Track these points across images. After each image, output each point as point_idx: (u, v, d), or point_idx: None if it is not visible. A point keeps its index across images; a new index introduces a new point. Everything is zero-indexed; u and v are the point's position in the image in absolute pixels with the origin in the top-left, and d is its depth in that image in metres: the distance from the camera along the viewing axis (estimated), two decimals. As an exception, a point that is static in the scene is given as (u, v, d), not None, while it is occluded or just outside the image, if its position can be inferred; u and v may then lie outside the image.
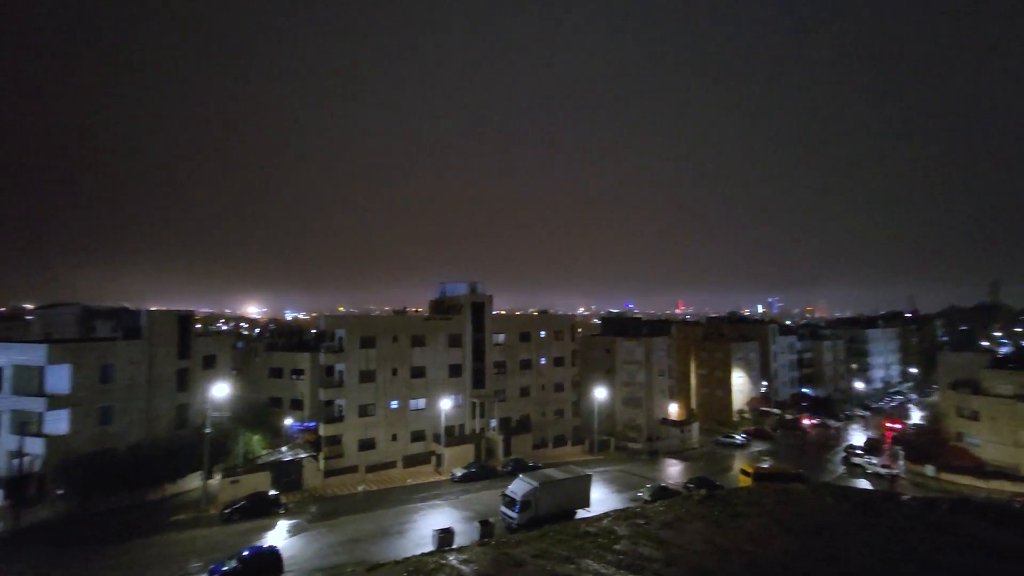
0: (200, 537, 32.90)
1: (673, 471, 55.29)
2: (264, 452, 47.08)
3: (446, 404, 54.05)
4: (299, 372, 55.46)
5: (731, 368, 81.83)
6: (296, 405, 55.00)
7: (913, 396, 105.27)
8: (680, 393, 79.68)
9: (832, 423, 79.62)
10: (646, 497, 40.50)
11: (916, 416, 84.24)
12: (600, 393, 60.95)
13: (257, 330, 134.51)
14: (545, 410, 63.96)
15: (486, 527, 31.58)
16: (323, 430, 49.12)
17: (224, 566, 25.35)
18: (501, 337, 61.66)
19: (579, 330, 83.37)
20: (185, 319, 48.11)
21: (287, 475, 43.47)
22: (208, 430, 39.24)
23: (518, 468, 48.47)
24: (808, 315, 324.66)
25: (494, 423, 57.98)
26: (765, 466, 51.89)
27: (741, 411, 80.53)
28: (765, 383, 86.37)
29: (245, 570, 24.90)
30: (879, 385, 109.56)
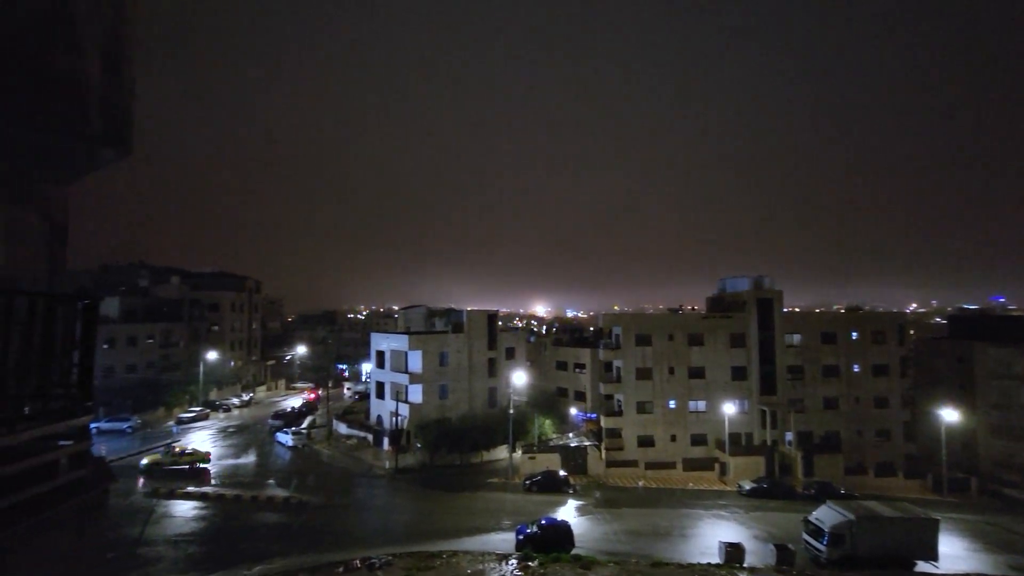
0: (508, 500, 39.02)
1: (1095, 541, 37.56)
2: (554, 436, 52.64)
3: (729, 409, 49.93)
4: (581, 366, 60.04)
5: None
6: (579, 396, 59.74)
7: None
8: (1107, 428, 53.55)
9: None
10: (1040, 568, 29.02)
11: None
12: (949, 415, 46.16)
13: (544, 327, 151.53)
14: (862, 429, 52.35)
15: (784, 552, 27.84)
16: (604, 422, 51.81)
17: (528, 529, 29.36)
18: (796, 338, 53.37)
19: (911, 332, 65.43)
20: (492, 317, 58.08)
21: (574, 459, 47.53)
22: (511, 411, 46.27)
23: (823, 493, 41.20)
24: None
25: (790, 436, 50.51)
26: None
27: None
28: None
29: (543, 537, 28.23)
30: None
